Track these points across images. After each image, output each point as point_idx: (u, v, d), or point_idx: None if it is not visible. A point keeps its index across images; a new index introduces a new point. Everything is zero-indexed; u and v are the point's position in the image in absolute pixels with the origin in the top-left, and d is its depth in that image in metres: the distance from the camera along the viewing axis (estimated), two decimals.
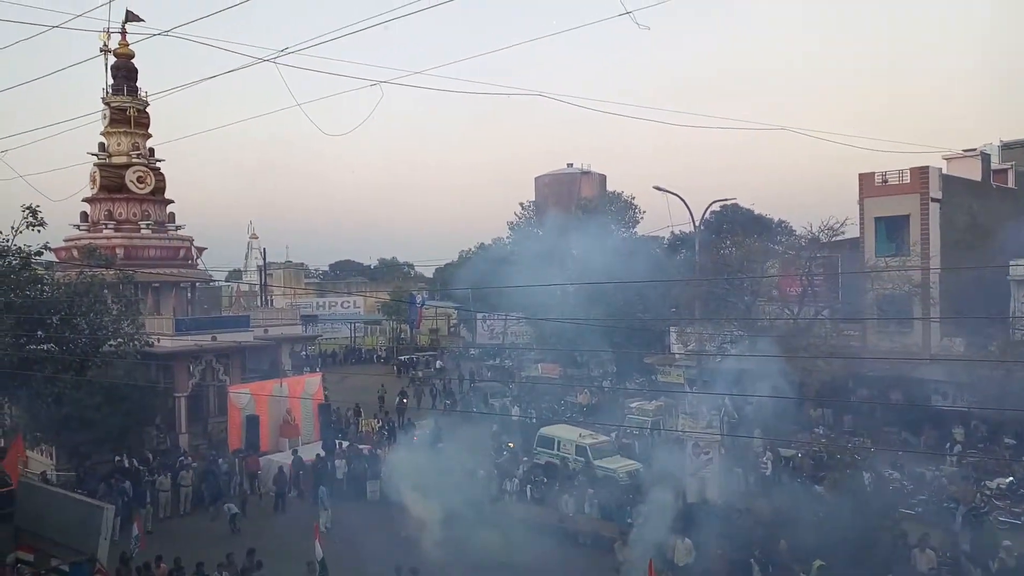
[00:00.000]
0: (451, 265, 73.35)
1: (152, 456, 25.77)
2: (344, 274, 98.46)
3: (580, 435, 25.24)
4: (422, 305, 58.57)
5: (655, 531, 16.79)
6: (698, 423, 22.16)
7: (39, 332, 22.45)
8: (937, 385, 27.27)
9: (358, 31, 13.58)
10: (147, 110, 34.19)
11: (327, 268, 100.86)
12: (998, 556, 15.23)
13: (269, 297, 56.48)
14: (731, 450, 21.88)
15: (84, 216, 33.83)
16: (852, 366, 24.73)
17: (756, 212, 49.83)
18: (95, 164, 33.76)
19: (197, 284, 37.57)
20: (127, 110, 33.40)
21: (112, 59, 33.38)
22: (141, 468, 23.99)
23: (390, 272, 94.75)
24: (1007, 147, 41.95)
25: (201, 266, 36.29)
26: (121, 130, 33.50)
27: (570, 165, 69.00)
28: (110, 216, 33.08)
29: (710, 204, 30.81)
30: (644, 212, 50.60)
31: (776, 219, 50.35)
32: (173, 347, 28.24)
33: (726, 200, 41.02)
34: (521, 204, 58.75)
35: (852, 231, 31.71)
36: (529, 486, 21.84)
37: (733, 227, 41.74)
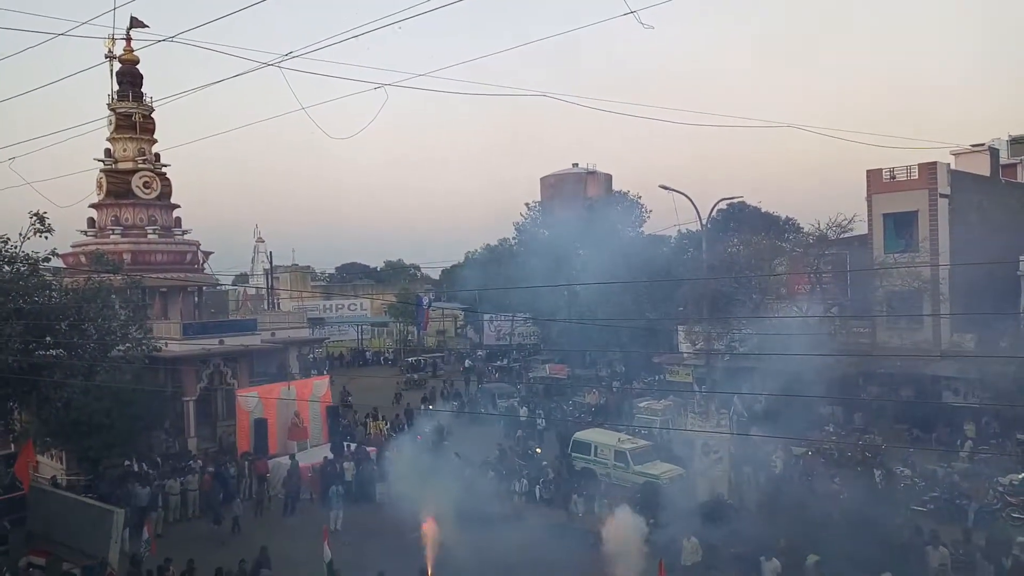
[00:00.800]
0: (457, 266, 73.41)
1: (161, 460, 25.81)
2: (350, 276, 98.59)
3: (619, 439, 24.03)
4: (428, 307, 58.62)
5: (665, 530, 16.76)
6: (707, 422, 22.05)
7: (48, 338, 22.51)
8: (948, 382, 27.14)
9: (362, 34, 13.56)
10: (152, 115, 34.32)
11: (333, 271, 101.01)
12: (1011, 553, 15.09)
13: (276, 300, 56.59)
14: (741, 449, 21.77)
15: (91, 222, 33.94)
16: (863, 363, 24.61)
17: (763, 210, 49.75)
18: (101, 170, 33.89)
19: (204, 288, 37.66)
20: (132, 116, 33.51)
21: (117, 65, 33.52)
22: (151, 472, 24.04)
23: (396, 274, 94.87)
24: (1016, 142, 41.70)
25: (208, 270, 36.40)
26: (127, 136, 33.61)
27: (575, 165, 68.87)
28: (117, 221, 33.18)
29: (717, 202, 30.58)
30: (650, 211, 50.56)
31: (784, 216, 50.24)
32: (181, 351, 28.28)
33: (733, 198, 40.80)
34: (527, 205, 58.73)
35: (860, 228, 31.57)
36: (538, 487, 21.78)
37: (740, 225, 41.60)
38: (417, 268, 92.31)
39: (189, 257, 34.59)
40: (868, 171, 32.36)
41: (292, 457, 24.84)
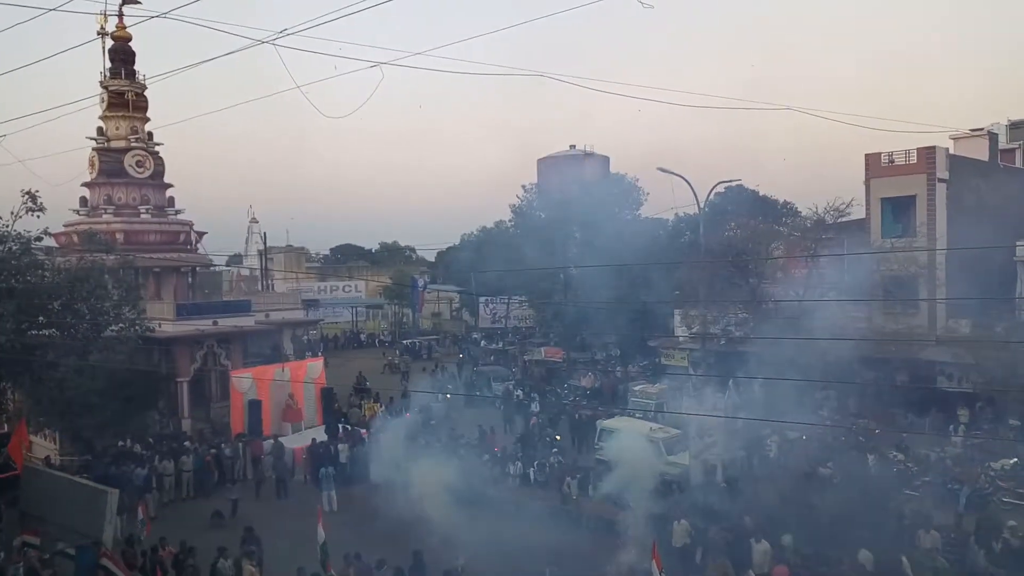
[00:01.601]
0: (453, 248, 73.20)
1: (154, 441, 25.80)
2: (345, 258, 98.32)
3: (651, 429, 22.81)
4: (424, 289, 58.61)
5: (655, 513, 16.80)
6: (702, 406, 22.04)
7: (40, 318, 22.39)
8: (943, 367, 27.18)
9: (358, 11, 13.35)
10: (145, 94, 33.95)
11: (328, 252, 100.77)
12: (1002, 536, 15.18)
13: (270, 282, 56.40)
14: (736, 433, 21.83)
15: (83, 201, 33.67)
16: (858, 348, 24.60)
17: (761, 193, 49.62)
18: (93, 148, 33.57)
19: (197, 269, 37.48)
20: (125, 94, 33.14)
21: (110, 42, 33.12)
22: (145, 452, 24.03)
23: (392, 256, 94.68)
24: (1015, 126, 41.58)
25: (201, 251, 36.19)
26: (119, 114, 33.26)
27: (573, 147, 68.54)
28: (109, 201, 32.93)
29: (715, 185, 30.53)
30: (648, 194, 50.29)
31: (781, 200, 50.14)
32: (174, 332, 28.19)
33: (731, 181, 40.75)
34: (523, 187, 58.43)
35: (858, 212, 31.49)
36: (532, 470, 21.80)
37: (738, 209, 41.48)
38: (412, 250, 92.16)
39: (182, 237, 34.38)
40: (867, 155, 32.22)
41: (276, 439, 24.82)
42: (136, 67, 33.71)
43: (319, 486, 21.33)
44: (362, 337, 62.69)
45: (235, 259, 74.15)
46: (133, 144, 33.43)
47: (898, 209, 31.24)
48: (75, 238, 30.55)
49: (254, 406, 27.24)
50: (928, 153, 30.74)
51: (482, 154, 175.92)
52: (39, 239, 23.18)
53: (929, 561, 14.40)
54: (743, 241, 31.11)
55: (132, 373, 23.47)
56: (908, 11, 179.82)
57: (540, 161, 68.93)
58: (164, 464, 22.70)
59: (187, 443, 25.14)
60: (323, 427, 26.99)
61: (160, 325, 27.85)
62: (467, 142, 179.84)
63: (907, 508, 17.07)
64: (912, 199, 30.61)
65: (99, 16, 32.11)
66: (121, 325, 23.83)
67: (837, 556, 14.25)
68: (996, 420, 25.41)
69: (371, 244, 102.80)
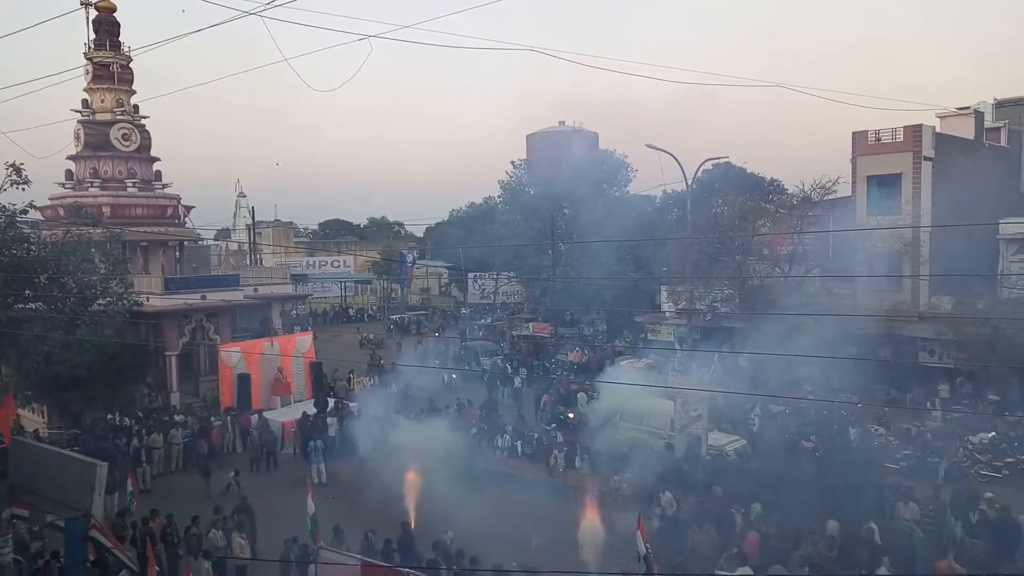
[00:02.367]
0: (442, 224, 73.03)
1: (143, 414, 25.86)
2: (334, 233, 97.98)
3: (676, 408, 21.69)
4: (412, 264, 58.62)
5: (641, 485, 17.07)
6: (687, 380, 22.27)
7: (27, 291, 22.29)
8: (925, 343, 27.55)
9: None
10: (131, 66, 33.56)
11: (316, 227, 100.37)
12: (979, 508, 15.54)
13: (258, 256, 56.23)
14: (720, 407, 22.11)
15: (69, 174, 33.38)
16: (841, 323, 24.91)
17: (749, 171, 49.66)
18: (79, 121, 33.23)
19: (185, 243, 37.33)
20: (110, 65, 32.76)
21: (94, 13, 32.64)
22: (135, 426, 24.10)
23: (380, 231, 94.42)
24: (1000, 105, 41.76)
25: (189, 225, 36.03)
26: (105, 86, 32.89)
27: (562, 123, 68.30)
28: (95, 174, 32.66)
29: (703, 162, 30.54)
30: (637, 171, 50.31)
31: (768, 178, 50.24)
32: (162, 306, 28.14)
33: (719, 158, 40.74)
34: (512, 163, 58.28)
35: (844, 190, 31.69)
36: (520, 442, 22.03)
37: (726, 186, 41.59)
38: (401, 225, 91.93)
39: (170, 211, 34.19)
40: (853, 133, 32.33)
41: (260, 415, 24.92)
42: (121, 38, 33.32)
43: (308, 459, 21.51)
44: (351, 312, 62.74)
45: (223, 233, 73.83)
46: (119, 117, 33.11)
47: (884, 187, 31.44)
48: (61, 211, 30.34)
49: (243, 380, 27.31)
50: (914, 131, 30.89)
51: (472, 129, 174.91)
52: (24, 212, 22.99)
53: (907, 531, 14.74)
54: (730, 218, 31.26)
55: (120, 347, 23.46)
56: None
57: (529, 137, 68.72)
58: (153, 437, 22.79)
59: (179, 416, 25.20)
60: (312, 401, 27.11)
61: (148, 299, 27.80)
62: (457, 117, 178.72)
63: (887, 480, 17.41)
64: (898, 177, 30.81)
65: None
66: (108, 299, 23.76)
67: (808, 525, 14.59)
68: (975, 395, 25.85)
69: (360, 219, 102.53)
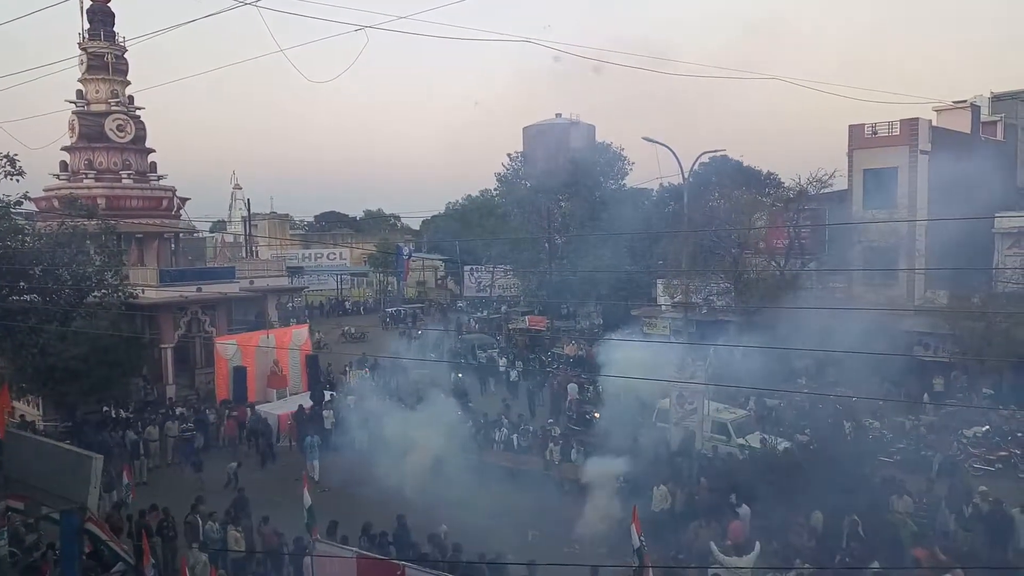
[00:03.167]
0: (438, 217, 72.89)
1: (139, 407, 25.82)
2: (330, 225, 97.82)
3: (717, 409, 21.35)
4: (409, 257, 58.55)
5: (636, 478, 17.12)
6: (682, 374, 22.29)
7: (21, 283, 22.21)
8: (920, 337, 27.63)
9: None
10: (125, 56, 33.38)
11: (312, 219, 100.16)
12: (972, 501, 15.63)
13: (254, 248, 56.10)
14: (716, 400, 22.15)
15: (64, 165, 33.23)
16: (836, 317, 24.95)
17: (745, 164, 49.67)
18: (73, 112, 33.06)
19: (181, 235, 37.23)
20: (105, 56, 32.57)
21: (88, 2, 32.43)
22: (130, 417, 24.07)
23: (376, 224, 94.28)
24: (997, 99, 41.74)
25: (184, 217, 35.91)
26: (99, 77, 32.72)
27: (559, 115, 68.14)
28: (90, 165, 32.52)
29: (699, 155, 30.53)
30: (633, 164, 50.23)
31: (765, 171, 50.24)
32: (158, 298, 28.06)
33: (715, 152, 40.71)
34: (509, 155, 58.17)
35: (841, 183, 31.71)
36: (516, 436, 22.06)
37: (722, 179, 41.58)
38: (397, 218, 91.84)
39: (165, 203, 34.06)
40: (850, 126, 32.38)
41: (253, 408, 24.88)
42: (116, 29, 33.11)
43: (304, 455, 21.33)
44: (347, 305, 62.67)
45: (219, 225, 73.58)
46: (113, 108, 32.94)
47: (880, 180, 31.50)
48: (56, 203, 30.22)
49: (239, 372, 27.28)
50: (911, 125, 30.94)
51: (469, 121, 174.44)
52: (19, 204, 22.92)
53: (901, 524, 14.82)
54: (726, 212, 31.26)
55: (115, 339, 23.37)
56: None
57: (526, 129, 68.57)
58: (149, 430, 22.76)
59: (178, 409, 25.13)
60: (308, 393, 27.11)
61: (143, 291, 27.72)
62: (453, 109, 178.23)
63: (881, 473, 17.50)
64: (894, 170, 30.87)
65: None
66: (104, 291, 23.69)
67: (794, 516, 14.70)
68: (969, 389, 25.93)
69: (356, 212, 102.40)
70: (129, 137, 33.22)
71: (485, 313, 49.94)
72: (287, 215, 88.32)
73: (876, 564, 12.86)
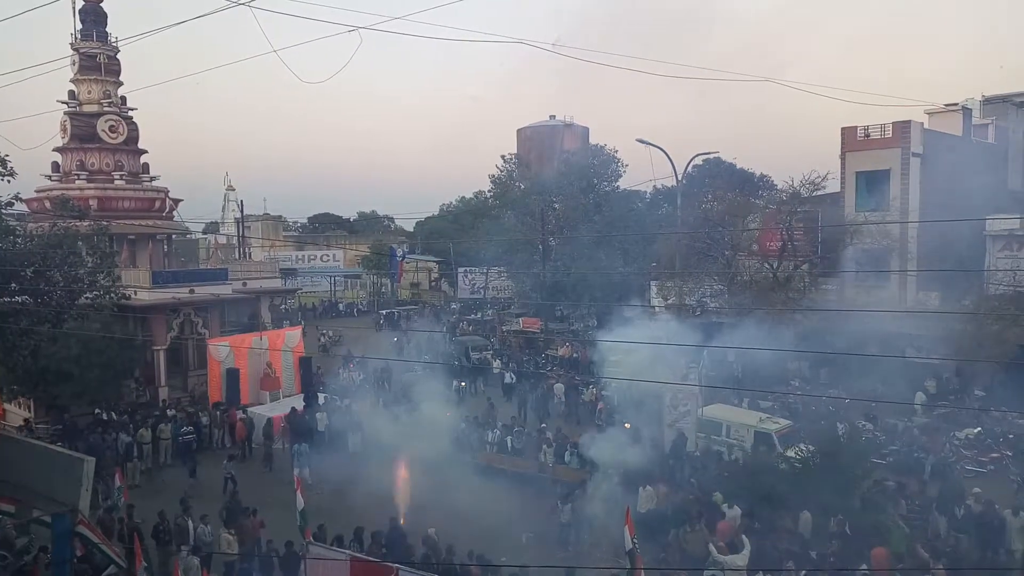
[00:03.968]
0: (432, 218, 72.85)
1: (131, 409, 25.69)
2: (323, 227, 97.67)
3: (759, 419, 20.59)
4: (402, 259, 58.46)
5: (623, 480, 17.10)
6: (675, 376, 22.29)
7: (13, 284, 22.07)
8: (912, 339, 27.73)
9: None
10: (118, 57, 33.26)
11: (306, 221, 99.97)
12: (965, 503, 15.68)
13: (247, 250, 55.95)
14: (709, 402, 22.19)
15: (55, 166, 33.08)
16: (829, 319, 25.05)
17: (738, 166, 49.86)
18: (65, 112, 32.91)
19: (173, 236, 37.10)
20: (97, 56, 32.45)
21: (80, 2, 32.31)
22: (125, 420, 23.95)
23: (370, 225, 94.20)
24: (988, 102, 41.99)
25: (177, 218, 35.78)
26: (91, 77, 32.59)
27: (552, 117, 68.28)
28: (82, 166, 32.38)
29: (693, 158, 30.71)
30: (627, 166, 50.37)
31: (758, 173, 50.44)
32: (151, 300, 27.94)
33: (709, 154, 40.92)
34: (503, 157, 58.25)
35: (833, 186, 31.83)
36: (510, 437, 22.04)
37: (715, 181, 41.73)
38: (391, 219, 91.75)
39: (158, 204, 33.93)
40: (842, 129, 32.53)
41: (244, 411, 24.76)
42: (108, 29, 32.98)
43: (294, 462, 20.64)
44: (340, 307, 62.55)
45: (212, 227, 73.39)
46: (106, 109, 32.82)
47: (872, 183, 31.65)
48: (47, 204, 30.06)
49: (232, 375, 27.19)
50: (903, 128, 31.09)
51: (463, 123, 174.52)
52: (10, 204, 22.72)
53: (892, 526, 14.86)
54: (719, 214, 31.35)
55: (107, 341, 23.26)
56: None
57: (520, 131, 68.67)
58: (142, 432, 22.66)
59: (170, 411, 25.04)
60: (301, 395, 27.02)
61: (136, 293, 27.60)
62: (447, 110, 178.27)
63: (874, 475, 17.52)
64: (886, 173, 31.02)
65: None
66: (96, 292, 23.57)
67: (781, 517, 14.74)
68: (961, 391, 26.04)
69: (349, 213, 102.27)
70: (121, 138, 33.10)
71: (479, 315, 49.90)
72: (280, 216, 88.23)
73: (865, 566, 12.89)
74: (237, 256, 53.01)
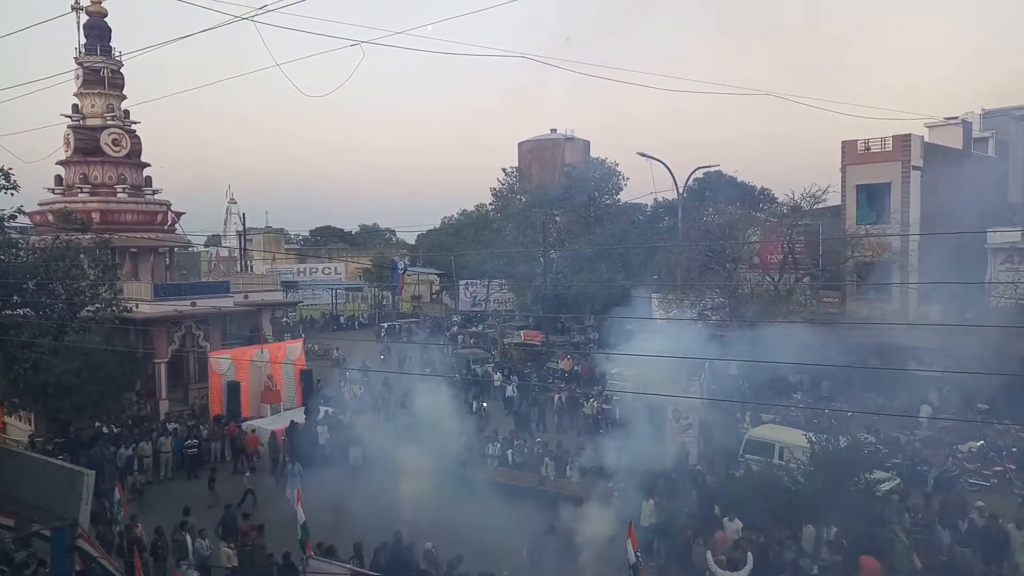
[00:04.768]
0: (433, 231, 72.95)
1: (132, 422, 25.66)
2: (325, 240, 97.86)
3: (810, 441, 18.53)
4: (404, 271, 58.54)
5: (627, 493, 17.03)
6: (677, 389, 22.22)
7: (15, 297, 22.10)
8: (914, 351, 27.69)
9: None
10: (121, 70, 33.44)
11: (307, 234, 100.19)
12: (968, 517, 15.61)
13: (249, 263, 56.04)
14: (711, 415, 22.12)
15: (58, 179, 33.19)
16: (831, 332, 25.00)
17: (739, 179, 49.97)
18: (69, 126, 33.05)
19: (175, 249, 37.16)
20: (101, 70, 32.63)
21: (84, 17, 32.53)
22: (125, 433, 23.92)
23: (371, 238, 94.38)
24: (988, 115, 42.11)
25: (179, 231, 35.83)
26: (95, 91, 32.76)
27: (553, 130, 68.51)
28: (85, 179, 32.49)
29: (693, 171, 30.81)
30: (628, 179, 50.49)
31: (759, 186, 50.54)
32: (152, 313, 27.96)
33: (709, 167, 41.01)
34: (504, 170, 58.40)
35: (834, 199, 31.88)
36: (510, 451, 21.97)
37: (716, 194, 41.82)
38: (392, 232, 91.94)
39: (160, 217, 34.01)
40: (843, 142, 32.60)
41: (241, 423, 24.69)
42: (112, 43, 33.19)
43: (286, 483, 20.50)
44: (342, 319, 62.55)
45: (214, 240, 73.49)
46: (109, 122, 32.96)
47: (873, 196, 31.70)
48: (50, 217, 30.12)
49: (233, 388, 27.17)
50: (903, 141, 31.17)
51: (464, 136, 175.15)
52: (13, 217, 22.78)
53: (896, 540, 14.78)
54: (720, 227, 31.40)
55: (109, 354, 23.26)
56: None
57: (521, 144, 68.87)
58: (142, 446, 22.63)
59: (171, 425, 25.00)
60: (302, 408, 26.99)
61: (137, 306, 27.61)
62: (449, 124, 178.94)
63: (876, 487, 17.43)
64: (887, 186, 31.07)
65: None
66: (97, 305, 23.58)
67: (783, 530, 14.68)
68: (964, 404, 25.96)
69: (351, 226, 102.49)
70: (124, 151, 33.22)
71: (480, 327, 49.87)
72: (282, 229, 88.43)
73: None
74: (239, 269, 53.12)
